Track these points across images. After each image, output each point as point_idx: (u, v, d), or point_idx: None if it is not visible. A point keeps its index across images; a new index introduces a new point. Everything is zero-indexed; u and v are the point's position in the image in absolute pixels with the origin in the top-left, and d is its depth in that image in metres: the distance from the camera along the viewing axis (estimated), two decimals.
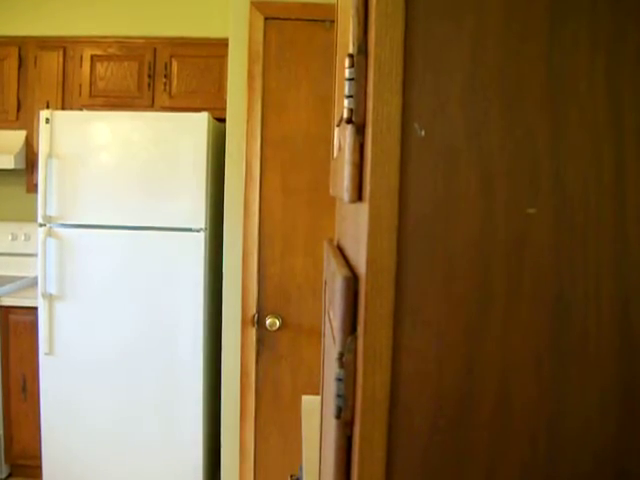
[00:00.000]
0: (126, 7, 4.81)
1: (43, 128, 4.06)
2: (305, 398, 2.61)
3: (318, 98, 3.50)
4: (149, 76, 4.67)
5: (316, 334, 3.49)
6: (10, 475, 4.61)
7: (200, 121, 3.95)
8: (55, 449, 4.22)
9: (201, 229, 3.95)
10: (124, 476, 4.14)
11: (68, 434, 4.19)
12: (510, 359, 0.85)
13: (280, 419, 3.71)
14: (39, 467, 4.27)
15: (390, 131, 0.83)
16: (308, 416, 2.42)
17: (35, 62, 4.78)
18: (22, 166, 4.75)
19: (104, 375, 4.11)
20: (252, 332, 3.64)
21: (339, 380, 0.93)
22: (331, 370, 1.10)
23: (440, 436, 0.87)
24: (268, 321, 3.62)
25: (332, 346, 1.12)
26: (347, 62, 0.91)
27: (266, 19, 3.54)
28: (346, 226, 1.27)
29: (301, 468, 2.12)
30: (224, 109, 3.70)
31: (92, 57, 4.75)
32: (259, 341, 3.65)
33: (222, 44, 3.85)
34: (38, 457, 4.28)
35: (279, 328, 3.63)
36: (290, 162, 3.59)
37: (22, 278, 4.92)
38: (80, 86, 4.76)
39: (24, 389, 4.44)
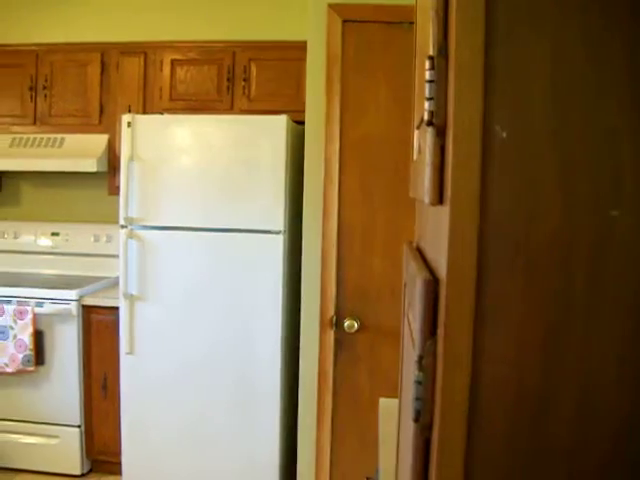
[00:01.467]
0: (205, 12, 4.86)
1: (125, 132, 4.13)
2: (382, 400, 2.60)
3: (397, 100, 3.49)
4: (228, 79, 4.72)
5: (394, 336, 3.46)
6: (91, 470, 4.71)
7: (279, 124, 3.98)
8: (134, 446, 4.30)
9: (280, 231, 3.97)
10: (201, 473, 4.19)
11: (147, 431, 4.26)
12: (591, 360, 0.84)
13: (357, 421, 3.71)
14: (119, 463, 4.36)
15: (471, 133, 0.82)
16: (385, 418, 2.41)
17: (117, 67, 4.87)
18: (104, 169, 4.85)
19: (183, 374, 4.17)
20: (330, 334, 3.65)
21: (418, 383, 0.93)
22: (410, 373, 1.10)
23: (519, 439, 0.86)
24: (346, 323, 3.62)
25: (411, 349, 1.12)
26: (427, 64, 0.91)
27: (344, 22, 3.54)
28: (426, 228, 1.26)
29: (377, 470, 2.11)
30: (303, 112, 3.72)
31: (172, 61, 4.81)
32: (337, 343, 3.66)
33: (300, 47, 3.86)
34: (118, 453, 4.37)
35: (357, 330, 3.63)
36: (369, 164, 3.58)
37: (104, 279, 5.02)
38: (161, 90, 4.83)
39: (105, 387, 4.52)
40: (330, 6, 3.54)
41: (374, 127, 3.56)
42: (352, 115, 3.57)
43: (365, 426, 3.65)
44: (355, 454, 3.72)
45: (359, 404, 3.70)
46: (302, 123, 3.78)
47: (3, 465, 4.65)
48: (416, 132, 1.46)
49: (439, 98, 0.89)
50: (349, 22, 3.54)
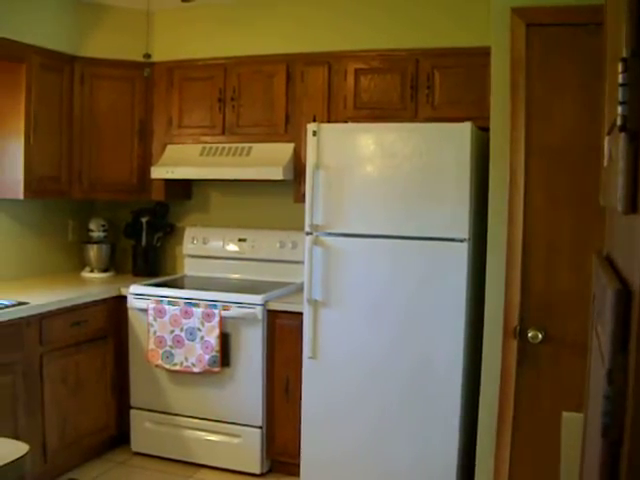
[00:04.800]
0: (387, 21, 4.88)
1: (310, 140, 4.22)
2: (566, 414, 2.53)
3: (584, 105, 3.38)
4: (412, 87, 4.72)
5: (580, 349, 3.34)
6: (270, 470, 4.85)
7: (463, 131, 3.95)
8: (313, 449, 4.38)
9: (464, 239, 3.94)
10: (378, 479, 4.21)
11: (326, 436, 4.33)
12: None
13: (538, 433, 3.61)
14: (297, 465, 4.48)
15: None
16: (568, 433, 2.35)
17: (302, 77, 4.99)
18: (290, 177, 4.96)
19: (363, 380, 4.21)
20: (513, 344, 3.58)
21: (607, 398, 0.90)
22: (597, 387, 1.07)
23: None
24: (530, 334, 3.53)
25: (600, 362, 1.09)
26: (620, 67, 0.88)
27: (528, 25, 3.47)
28: (617, 237, 1.22)
29: None
30: (487, 118, 3.67)
31: (356, 70, 4.88)
32: (520, 353, 3.58)
33: (483, 53, 3.81)
34: (297, 455, 4.48)
35: (541, 341, 3.54)
36: (555, 171, 3.48)
37: (289, 284, 5.14)
38: (345, 99, 4.90)
39: (287, 390, 4.63)
40: (513, 10, 3.48)
41: (561, 133, 3.46)
42: (538, 121, 3.49)
43: (547, 439, 3.55)
44: (535, 469, 3.63)
45: (540, 416, 3.60)
46: (487, 130, 3.73)
47: (187, 459, 4.89)
48: (607, 138, 1.42)
49: (633, 102, 0.86)
50: (533, 26, 3.47)
